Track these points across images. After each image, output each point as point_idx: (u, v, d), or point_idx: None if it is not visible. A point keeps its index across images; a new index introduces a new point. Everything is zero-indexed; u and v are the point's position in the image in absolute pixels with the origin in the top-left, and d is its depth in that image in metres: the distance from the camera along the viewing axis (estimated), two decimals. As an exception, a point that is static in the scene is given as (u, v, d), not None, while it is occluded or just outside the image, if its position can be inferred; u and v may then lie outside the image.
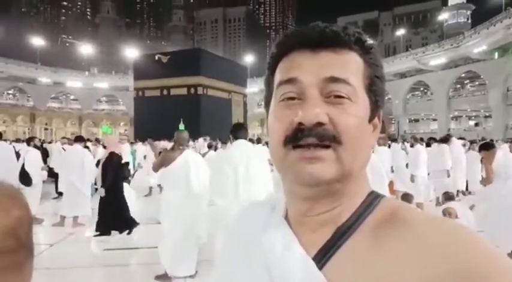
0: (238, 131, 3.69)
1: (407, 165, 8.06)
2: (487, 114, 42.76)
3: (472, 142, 11.69)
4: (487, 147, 5.07)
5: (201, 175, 4.06)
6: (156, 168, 4.30)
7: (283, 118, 0.51)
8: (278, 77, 0.54)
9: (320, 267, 0.48)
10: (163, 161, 4.08)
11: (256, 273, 0.53)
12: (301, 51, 0.52)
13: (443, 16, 75.06)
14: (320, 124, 0.48)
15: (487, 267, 0.40)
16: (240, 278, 0.56)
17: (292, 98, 0.51)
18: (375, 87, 0.54)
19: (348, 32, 0.52)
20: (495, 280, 0.39)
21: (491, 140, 10.96)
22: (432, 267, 0.41)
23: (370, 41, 0.54)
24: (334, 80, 0.50)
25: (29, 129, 46.22)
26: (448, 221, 0.47)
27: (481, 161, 6.02)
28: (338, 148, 0.48)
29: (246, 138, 3.76)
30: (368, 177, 0.56)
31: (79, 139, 7.04)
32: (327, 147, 0.48)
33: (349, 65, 0.51)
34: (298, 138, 0.48)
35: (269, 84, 0.58)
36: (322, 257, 0.49)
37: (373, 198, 0.53)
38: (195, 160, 4.13)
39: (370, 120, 0.54)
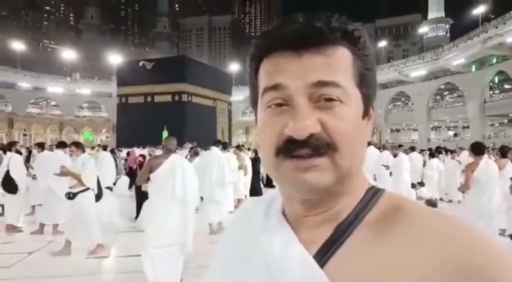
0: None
1: (390, 173, 8.19)
2: (465, 125, 44.03)
3: (451, 152, 12.05)
4: (477, 150, 4.91)
5: (188, 180, 4.02)
6: (141, 179, 4.13)
7: (272, 126, 0.48)
8: (262, 80, 0.51)
9: (322, 265, 0.46)
10: (150, 167, 4.01)
11: (256, 273, 0.52)
12: (283, 52, 0.48)
13: (423, 29, 77.41)
14: (312, 135, 0.45)
15: (490, 262, 0.40)
16: (239, 278, 0.55)
17: (280, 105, 0.48)
18: (365, 81, 0.51)
19: (333, 26, 0.48)
20: (498, 274, 0.39)
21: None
22: (435, 262, 0.40)
23: (358, 31, 0.49)
24: (322, 84, 0.46)
25: (6, 134, 45.00)
26: (449, 216, 0.46)
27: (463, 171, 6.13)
28: (334, 155, 0.46)
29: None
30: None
31: (61, 145, 6.89)
32: (322, 154, 0.46)
33: (337, 65, 0.48)
34: (290, 150, 0.46)
35: (253, 84, 0.55)
36: (323, 255, 0.47)
37: (374, 193, 0.52)
38: (181, 164, 4.08)
39: (364, 115, 0.51)
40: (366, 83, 0.51)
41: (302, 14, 0.49)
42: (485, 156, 5.05)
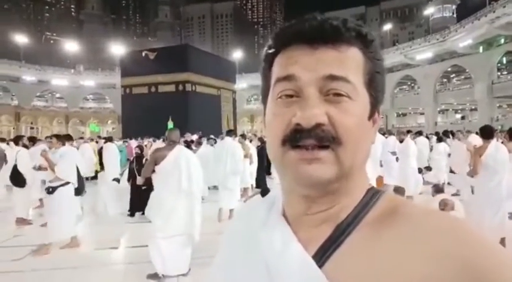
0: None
1: (397, 158, 8.12)
2: (473, 107, 43.46)
3: (457, 132, 11.88)
4: (486, 134, 4.82)
5: (193, 171, 4.00)
6: (147, 172, 4.10)
7: (281, 117, 0.49)
8: (275, 72, 0.53)
9: (321, 265, 0.47)
10: (155, 160, 3.99)
11: (255, 271, 0.52)
12: (298, 46, 0.50)
13: (429, 11, 75.81)
14: (319, 125, 0.47)
15: (489, 262, 0.40)
16: (239, 276, 0.56)
17: (290, 96, 0.50)
18: (375, 83, 0.52)
19: (349, 27, 0.50)
20: (496, 274, 0.39)
21: (477, 132, 11.16)
22: (434, 262, 0.41)
23: (371, 35, 0.52)
24: (333, 78, 0.48)
25: (13, 128, 45.34)
26: (448, 216, 0.47)
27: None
28: (337, 148, 0.47)
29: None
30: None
31: (67, 138, 6.90)
32: (326, 147, 0.47)
33: (349, 62, 0.49)
34: (297, 139, 0.47)
35: (266, 78, 0.56)
36: (322, 255, 0.48)
37: (373, 194, 0.52)
38: (186, 155, 4.06)
39: (370, 116, 0.52)
40: (374, 85, 0.52)
41: (319, 13, 0.51)
42: (494, 139, 4.95)
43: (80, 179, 5.33)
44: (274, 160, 0.51)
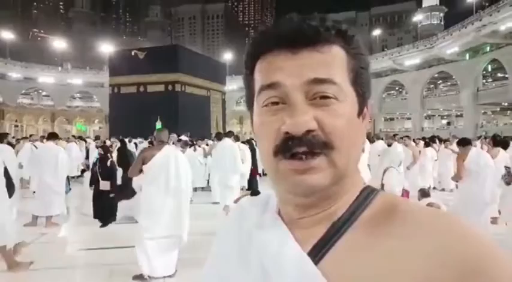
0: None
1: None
2: (459, 114, 44.26)
3: (445, 141, 12.10)
4: (463, 143, 5.25)
5: (181, 171, 3.98)
6: (134, 171, 4.02)
7: (269, 126, 0.49)
8: (258, 79, 0.51)
9: (316, 263, 0.47)
10: (143, 159, 3.95)
11: (252, 270, 0.52)
12: (279, 51, 0.49)
13: (418, 17, 77.19)
14: (309, 132, 0.46)
15: (488, 260, 0.40)
16: (235, 276, 0.55)
17: (276, 103, 0.49)
18: (360, 79, 0.51)
19: (328, 26, 0.49)
20: (496, 271, 0.39)
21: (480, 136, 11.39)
22: (429, 259, 0.41)
23: (351, 30, 0.51)
24: (318, 81, 0.47)
25: (-3, 126, 44.46)
26: (442, 213, 0.47)
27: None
28: (330, 153, 0.47)
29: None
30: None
31: (52, 136, 6.81)
32: (319, 153, 0.46)
33: (332, 62, 0.48)
34: (288, 147, 0.46)
35: (249, 84, 0.55)
36: (317, 253, 0.48)
37: (369, 192, 0.52)
38: (174, 155, 4.04)
39: (359, 114, 0.51)
40: (360, 82, 0.51)
41: (296, 14, 0.50)
42: (475, 146, 5.18)
43: (9, 180, 4.46)
44: (267, 170, 0.51)
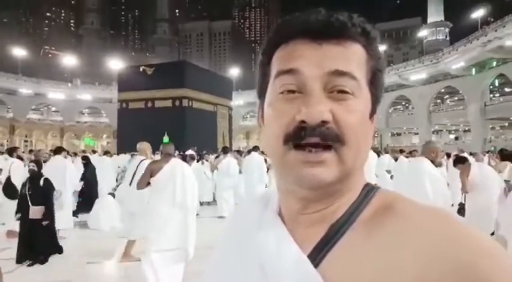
0: None
1: (391, 177, 8.18)
2: (466, 129, 43.97)
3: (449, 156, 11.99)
4: (461, 161, 5.44)
5: (188, 184, 4.01)
6: (142, 184, 4.07)
7: (283, 113, 0.48)
8: (276, 65, 0.51)
9: (316, 265, 0.46)
10: (150, 172, 4.00)
11: (251, 271, 0.52)
12: (302, 40, 0.49)
13: (423, 33, 77.72)
14: (324, 122, 0.46)
15: (485, 264, 0.40)
16: (235, 276, 0.55)
17: (292, 91, 0.48)
18: (376, 81, 0.52)
19: (355, 22, 0.49)
20: (489, 271, 0.39)
21: (470, 153, 11.33)
22: (426, 261, 0.40)
23: (374, 32, 0.51)
24: (339, 73, 0.47)
25: (7, 141, 45.05)
26: (441, 213, 0.46)
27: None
28: (340, 148, 0.46)
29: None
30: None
31: (59, 150, 6.91)
32: (329, 147, 0.46)
33: (354, 58, 0.49)
34: (301, 136, 0.46)
35: (264, 72, 0.54)
36: (317, 254, 0.47)
37: (368, 191, 0.52)
38: (181, 168, 4.08)
39: (371, 115, 0.52)
40: (375, 83, 0.52)
41: (324, 9, 0.50)
42: (477, 161, 5.28)
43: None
44: (273, 158, 0.50)
